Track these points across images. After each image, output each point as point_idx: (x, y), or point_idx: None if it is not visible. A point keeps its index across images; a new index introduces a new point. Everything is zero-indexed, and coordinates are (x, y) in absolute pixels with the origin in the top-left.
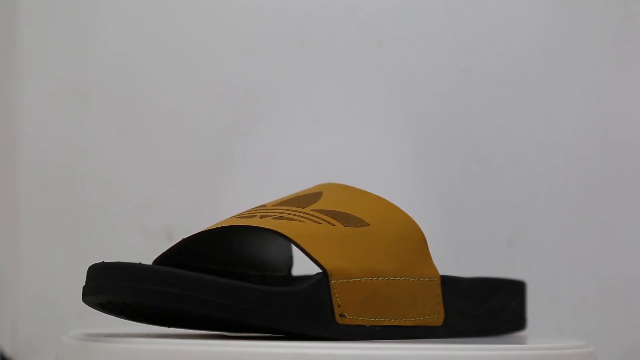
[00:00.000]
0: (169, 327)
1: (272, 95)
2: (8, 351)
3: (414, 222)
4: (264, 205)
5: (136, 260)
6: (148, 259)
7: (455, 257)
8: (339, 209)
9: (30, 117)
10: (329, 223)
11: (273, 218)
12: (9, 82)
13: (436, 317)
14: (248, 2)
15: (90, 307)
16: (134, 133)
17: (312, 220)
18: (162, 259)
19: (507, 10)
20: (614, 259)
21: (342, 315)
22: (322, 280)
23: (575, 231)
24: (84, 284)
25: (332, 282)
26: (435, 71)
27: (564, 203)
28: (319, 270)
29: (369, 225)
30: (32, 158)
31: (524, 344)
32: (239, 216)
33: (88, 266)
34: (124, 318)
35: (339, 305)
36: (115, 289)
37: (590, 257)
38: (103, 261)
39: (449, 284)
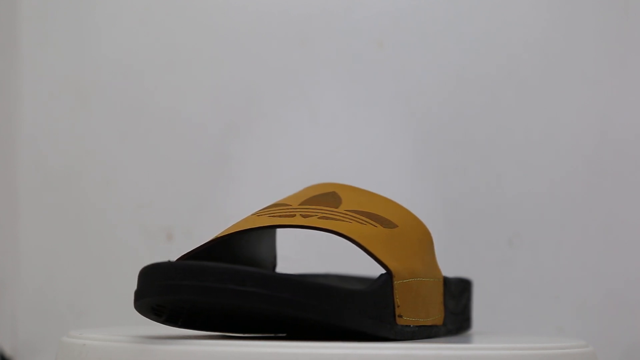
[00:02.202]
0: (217, 332)
1: (272, 95)
2: (8, 351)
3: (422, 222)
4: (286, 204)
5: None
6: (148, 259)
7: (455, 257)
8: (367, 210)
9: (30, 117)
10: (371, 224)
11: (318, 217)
12: (9, 82)
13: (439, 316)
14: (248, 2)
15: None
16: (133, 133)
17: (356, 221)
18: (189, 257)
19: (507, 10)
20: (614, 259)
21: (399, 316)
22: (388, 281)
23: (575, 231)
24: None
25: (395, 283)
26: (435, 71)
27: (564, 203)
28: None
29: (397, 226)
30: (32, 158)
31: (524, 343)
32: (271, 214)
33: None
34: (168, 324)
35: (398, 306)
36: (194, 290)
37: (590, 257)
38: (169, 260)
39: (447, 284)
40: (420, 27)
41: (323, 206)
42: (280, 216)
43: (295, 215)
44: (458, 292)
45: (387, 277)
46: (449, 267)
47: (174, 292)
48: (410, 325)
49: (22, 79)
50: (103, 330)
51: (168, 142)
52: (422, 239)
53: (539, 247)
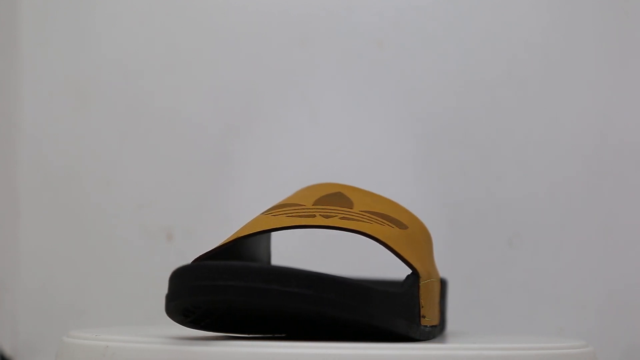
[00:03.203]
0: (238, 333)
1: (271, 95)
2: (8, 351)
3: (422, 222)
4: (298, 204)
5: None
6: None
7: (455, 257)
8: (379, 211)
9: (30, 117)
10: (388, 225)
11: (339, 218)
12: (9, 82)
13: (438, 316)
14: (248, 2)
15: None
16: (134, 133)
17: (375, 222)
18: (207, 256)
19: (507, 10)
20: (614, 259)
21: (423, 317)
22: (415, 282)
23: (575, 231)
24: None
25: (420, 283)
26: (435, 71)
27: (564, 203)
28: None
29: (408, 227)
30: (32, 158)
31: (524, 343)
32: (289, 214)
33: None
34: (191, 325)
35: (422, 307)
36: (239, 291)
37: (590, 257)
38: (210, 260)
39: (443, 284)
40: (420, 27)
41: (338, 206)
42: (299, 216)
43: (315, 216)
44: (442, 292)
45: (415, 278)
46: (449, 267)
47: (218, 293)
48: (427, 326)
49: (22, 79)
50: (103, 330)
51: (168, 142)
52: (427, 240)
53: (539, 248)
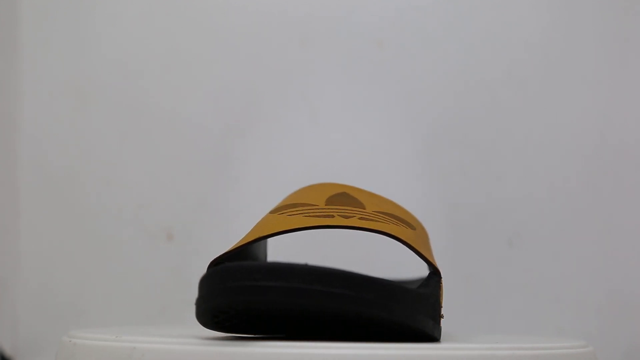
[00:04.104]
0: (265, 334)
1: (271, 95)
2: (8, 351)
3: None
4: (310, 204)
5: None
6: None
7: (456, 257)
8: (388, 212)
9: (30, 117)
10: (403, 225)
11: (358, 218)
12: (9, 82)
13: None
14: (248, 2)
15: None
16: (134, 133)
17: (390, 222)
18: (226, 256)
19: (507, 10)
20: (614, 259)
21: (442, 316)
22: (438, 282)
23: (575, 231)
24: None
25: (441, 283)
26: (435, 71)
27: (564, 203)
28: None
29: (416, 228)
30: (33, 158)
31: (524, 343)
32: (306, 214)
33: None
34: (219, 329)
35: (441, 306)
36: (281, 291)
37: (590, 257)
38: (250, 260)
39: None
40: (420, 27)
41: (351, 207)
42: (317, 216)
43: (334, 216)
44: None
45: (437, 278)
46: (449, 267)
47: (260, 294)
48: (441, 325)
49: (22, 79)
50: (103, 330)
51: (168, 142)
52: (428, 240)
53: (539, 247)
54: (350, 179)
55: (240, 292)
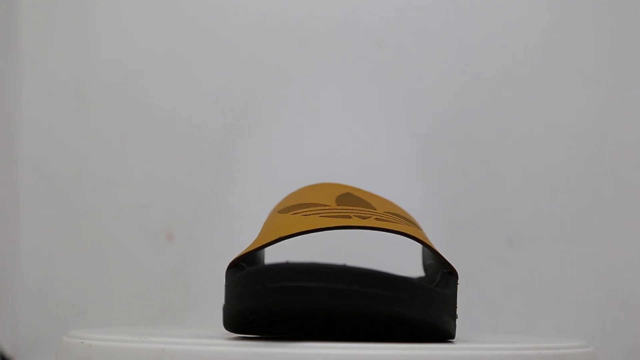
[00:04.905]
0: (285, 335)
1: (271, 95)
2: (8, 351)
3: None
4: (321, 204)
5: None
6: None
7: (456, 257)
8: (396, 212)
9: (30, 117)
10: (414, 226)
11: (375, 219)
12: (9, 82)
13: None
14: (248, 2)
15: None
16: (134, 133)
17: (402, 223)
18: (244, 257)
19: (507, 10)
20: (614, 258)
21: (457, 316)
22: (455, 282)
23: (576, 231)
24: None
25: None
26: (435, 71)
27: (564, 203)
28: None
29: (421, 229)
30: (33, 158)
31: (524, 343)
32: (322, 215)
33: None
34: (245, 333)
35: (457, 307)
36: (322, 292)
37: (590, 257)
38: (287, 261)
39: None
40: (420, 27)
41: (362, 207)
42: (334, 217)
43: (351, 217)
44: None
45: (455, 278)
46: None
47: (301, 295)
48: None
49: (22, 79)
50: (103, 330)
51: (168, 142)
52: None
53: (539, 247)
54: (350, 179)
55: (281, 293)
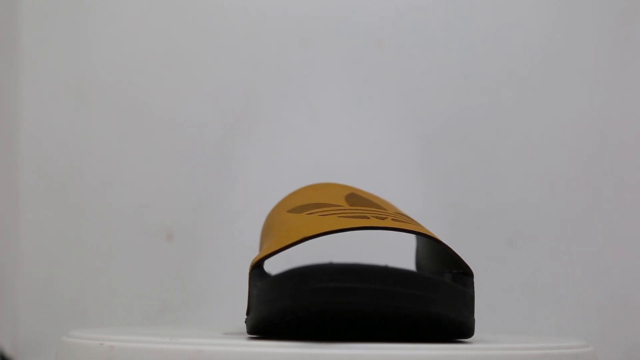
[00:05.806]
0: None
1: (271, 95)
2: (8, 351)
3: None
4: (334, 205)
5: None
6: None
7: None
8: (402, 212)
9: (30, 117)
10: (423, 226)
11: (392, 219)
12: (9, 82)
13: None
14: (248, 2)
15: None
16: (134, 133)
17: (416, 223)
18: (267, 256)
19: (507, 10)
20: (615, 258)
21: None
22: (472, 282)
23: (576, 231)
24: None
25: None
26: (435, 71)
27: (564, 203)
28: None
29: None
30: (33, 158)
31: (524, 343)
32: (341, 215)
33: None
34: (274, 334)
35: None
36: (366, 293)
37: (590, 257)
38: (331, 262)
39: None
40: (420, 27)
41: (373, 207)
42: (353, 217)
43: (369, 217)
44: None
45: (471, 279)
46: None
47: (346, 295)
48: None
49: (22, 79)
50: (103, 330)
51: (168, 142)
52: None
53: (539, 247)
54: (350, 179)
55: (326, 293)
